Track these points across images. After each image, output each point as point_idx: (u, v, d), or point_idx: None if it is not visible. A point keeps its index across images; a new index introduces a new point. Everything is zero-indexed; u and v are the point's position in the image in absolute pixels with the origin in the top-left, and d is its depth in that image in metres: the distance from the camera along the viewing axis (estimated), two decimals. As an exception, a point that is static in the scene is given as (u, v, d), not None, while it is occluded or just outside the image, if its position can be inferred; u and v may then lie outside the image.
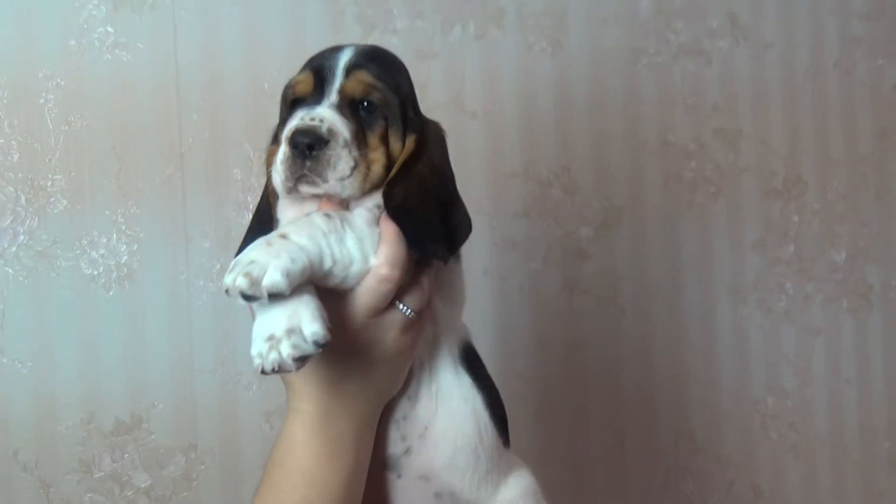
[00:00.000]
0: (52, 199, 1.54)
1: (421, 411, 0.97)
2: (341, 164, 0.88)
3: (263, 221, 0.97)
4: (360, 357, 0.90)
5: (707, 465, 1.87)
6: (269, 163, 0.95)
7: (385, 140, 0.93)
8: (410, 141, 0.93)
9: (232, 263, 0.80)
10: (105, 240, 1.55)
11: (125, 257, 1.56)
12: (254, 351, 0.79)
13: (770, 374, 1.91)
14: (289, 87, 0.96)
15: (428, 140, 0.94)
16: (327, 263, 0.84)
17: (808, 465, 1.93)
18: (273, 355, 0.77)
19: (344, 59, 0.94)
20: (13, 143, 1.52)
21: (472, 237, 0.98)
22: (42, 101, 1.53)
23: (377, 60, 0.95)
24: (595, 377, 1.80)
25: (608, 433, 1.81)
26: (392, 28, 1.69)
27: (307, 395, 0.91)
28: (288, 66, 1.54)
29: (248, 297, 0.78)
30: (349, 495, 0.91)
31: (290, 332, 0.78)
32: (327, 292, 0.85)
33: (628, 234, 1.82)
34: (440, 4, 1.72)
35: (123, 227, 1.56)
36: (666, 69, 1.85)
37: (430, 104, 1.68)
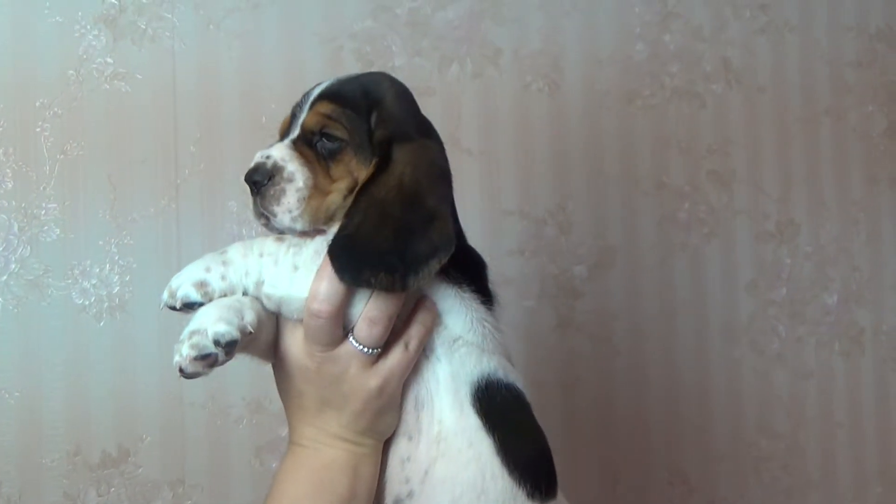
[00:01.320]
0: (45, 228, 1.53)
1: (423, 453, 0.92)
2: (286, 197, 0.89)
3: None
4: (330, 390, 0.89)
5: (700, 507, 1.86)
6: None
7: (352, 169, 0.92)
8: (371, 165, 0.91)
9: None
10: (97, 269, 1.54)
11: (117, 287, 1.54)
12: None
13: (763, 417, 1.91)
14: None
15: (398, 161, 0.90)
16: (251, 281, 0.86)
17: (801, 510, 1.92)
18: (175, 357, 0.81)
19: (316, 91, 0.94)
20: (7, 170, 1.52)
21: (491, 274, 0.96)
22: (38, 129, 1.53)
23: (349, 88, 0.94)
24: (588, 416, 1.79)
25: (601, 473, 1.79)
26: (390, 65, 1.70)
27: (292, 426, 0.93)
28: (285, 101, 1.54)
29: (171, 308, 0.85)
30: None
31: (193, 332, 0.81)
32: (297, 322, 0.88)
33: (622, 274, 1.82)
34: (438, 43, 1.73)
35: (116, 258, 1.55)
36: (660, 111, 1.87)
37: (427, 141, 1.70)
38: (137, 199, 1.57)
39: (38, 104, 1.53)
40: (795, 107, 1.96)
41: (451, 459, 0.91)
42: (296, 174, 0.89)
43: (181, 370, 0.81)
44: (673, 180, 1.87)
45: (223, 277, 0.86)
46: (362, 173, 0.91)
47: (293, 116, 0.95)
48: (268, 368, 1.57)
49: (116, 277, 1.54)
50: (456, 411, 0.92)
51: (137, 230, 1.56)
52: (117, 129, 1.56)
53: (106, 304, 1.54)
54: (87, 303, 1.53)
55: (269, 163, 0.90)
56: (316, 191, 0.90)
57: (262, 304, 0.87)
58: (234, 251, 0.87)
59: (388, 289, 0.84)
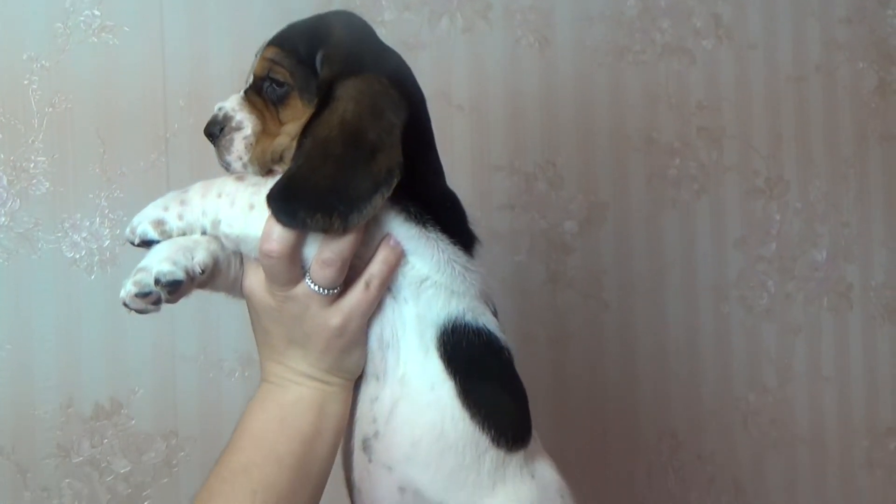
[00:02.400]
0: (35, 181, 1.52)
1: (387, 394, 0.92)
2: (235, 145, 0.90)
3: None
4: (293, 328, 0.89)
5: (689, 461, 1.87)
6: None
7: (300, 112, 0.91)
8: (312, 105, 0.90)
9: None
10: (88, 223, 1.54)
11: (108, 241, 1.55)
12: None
13: (751, 372, 1.92)
14: None
15: (340, 97, 0.87)
16: (208, 221, 0.87)
17: (789, 462, 1.94)
18: (121, 292, 0.84)
19: (268, 40, 0.94)
20: (-4, 124, 1.52)
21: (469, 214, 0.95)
22: (26, 82, 1.52)
23: (296, 30, 0.94)
24: (577, 371, 1.80)
25: (590, 428, 1.81)
26: (380, 19, 1.69)
27: (262, 364, 0.94)
28: (275, 53, 1.55)
29: (131, 243, 0.88)
30: (303, 464, 0.89)
31: (139, 270, 0.84)
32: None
33: (612, 230, 1.83)
34: (428, -3, 1.73)
35: (107, 211, 1.55)
36: (651, 67, 1.87)
37: (417, 96, 1.69)
38: (127, 153, 1.56)
39: (25, 57, 1.52)
40: (786, 63, 1.97)
41: (413, 401, 0.91)
42: (244, 122, 0.91)
43: (124, 304, 0.84)
44: (663, 136, 1.87)
45: (180, 217, 0.87)
46: (300, 118, 0.91)
47: (252, 66, 0.95)
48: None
49: (107, 231, 1.55)
50: (420, 353, 0.91)
51: (127, 184, 1.56)
52: (106, 82, 1.56)
53: (97, 258, 1.54)
54: (77, 256, 1.54)
55: (221, 114, 0.92)
56: (264, 136, 0.90)
57: (221, 243, 0.88)
58: (194, 191, 0.89)
59: (325, 230, 0.83)
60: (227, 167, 0.91)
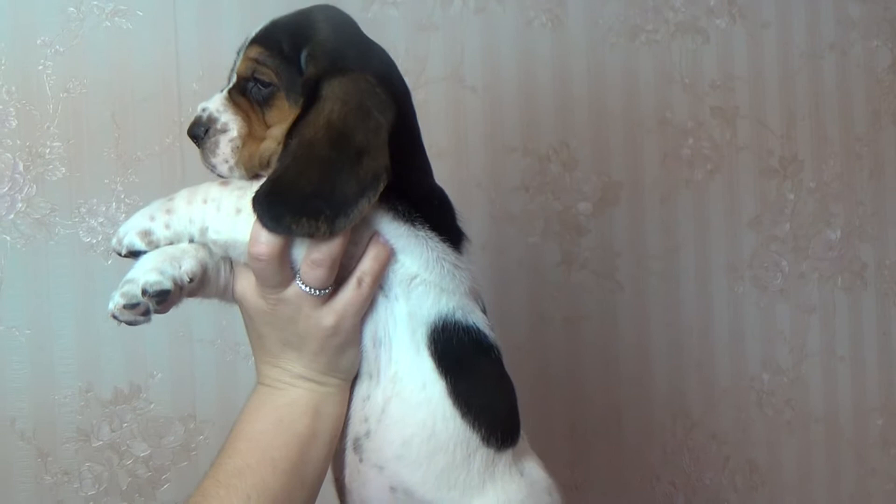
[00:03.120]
0: (51, 167, 1.53)
1: (380, 393, 0.92)
2: (220, 148, 0.89)
3: None
4: (287, 330, 0.89)
5: (703, 440, 1.88)
6: None
7: (286, 113, 0.89)
8: (298, 106, 0.88)
9: None
10: (104, 208, 1.54)
11: (124, 226, 1.55)
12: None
13: (766, 351, 1.93)
14: None
15: (326, 97, 0.86)
16: (195, 228, 0.86)
17: (803, 441, 1.94)
18: (109, 304, 0.82)
19: (251, 36, 0.91)
20: (11, 109, 1.51)
21: (470, 211, 0.93)
22: (41, 67, 1.52)
23: (280, 27, 0.90)
24: (592, 352, 1.81)
25: (605, 408, 1.81)
26: (392, 0, 1.69)
27: (257, 367, 0.94)
28: (288, 36, 1.54)
29: (118, 254, 0.87)
30: (297, 466, 0.88)
31: (126, 281, 0.83)
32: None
33: (626, 210, 1.82)
34: (440, -22, 1.72)
35: (122, 196, 1.55)
36: (664, 47, 1.86)
37: (430, 77, 1.69)
38: (141, 137, 1.56)
39: (39, 42, 1.52)
40: (800, 42, 1.95)
41: (404, 400, 0.91)
42: (229, 124, 0.89)
43: (113, 317, 0.82)
44: (676, 116, 1.86)
45: (167, 226, 0.86)
46: (287, 118, 0.88)
47: (233, 64, 0.93)
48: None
49: (123, 216, 1.54)
50: (412, 352, 0.91)
51: (142, 168, 1.56)
52: (119, 66, 1.55)
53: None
54: (94, 241, 1.54)
55: (205, 115, 0.90)
56: (250, 139, 0.89)
57: (209, 250, 0.87)
58: (180, 198, 0.87)
59: (311, 235, 0.82)
60: (212, 169, 0.90)
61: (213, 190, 0.88)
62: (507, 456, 0.95)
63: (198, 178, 1.54)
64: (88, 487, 1.54)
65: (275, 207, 0.82)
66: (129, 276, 0.83)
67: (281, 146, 0.87)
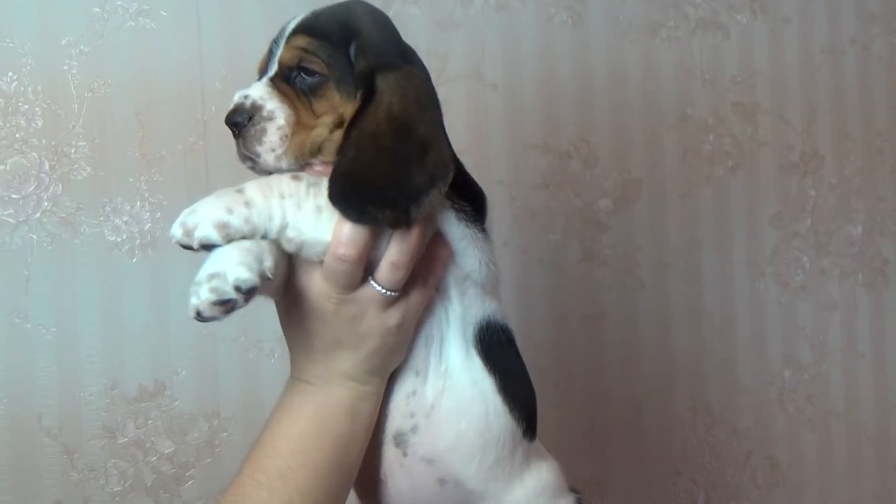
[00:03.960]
0: (76, 166, 1.54)
1: (429, 389, 0.93)
2: (267, 136, 0.86)
3: None
4: (345, 330, 0.88)
5: (724, 437, 1.88)
6: None
7: (335, 104, 0.89)
8: (357, 98, 0.88)
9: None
10: (128, 207, 1.56)
11: (148, 224, 1.56)
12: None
13: (787, 348, 1.92)
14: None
15: (384, 91, 0.87)
16: (275, 225, 0.82)
17: (824, 438, 1.94)
18: (192, 300, 0.77)
19: (290, 26, 0.91)
20: (37, 109, 1.52)
21: (492, 208, 0.93)
22: (66, 67, 1.53)
23: (325, 20, 0.90)
24: (613, 348, 1.81)
25: (626, 404, 1.82)
26: (413, -2, 1.69)
27: (297, 364, 0.92)
28: (311, 35, 1.54)
29: (184, 246, 0.81)
30: (338, 468, 0.88)
31: (213, 276, 0.77)
32: (315, 263, 0.86)
33: (647, 207, 1.82)
34: (461, -25, 1.72)
35: (147, 195, 1.56)
36: (684, 42, 1.85)
37: (451, 75, 1.70)
38: (165, 136, 1.57)
39: (64, 42, 1.53)
40: (821, 37, 1.95)
41: (457, 395, 0.93)
42: (276, 112, 0.87)
43: (198, 314, 0.77)
44: (697, 112, 1.86)
45: (247, 220, 0.81)
46: (346, 107, 0.88)
47: (270, 53, 0.92)
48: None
49: (147, 214, 1.56)
50: (462, 351, 0.93)
51: (166, 167, 1.57)
52: (143, 66, 1.56)
53: (138, 241, 1.56)
54: (119, 240, 1.55)
55: (248, 102, 0.88)
56: (298, 127, 0.87)
57: (278, 246, 0.84)
58: (254, 192, 0.83)
59: (394, 224, 0.83)
60: (255, 158, 0.87)
61: (285, 184, 0.84)
62: (534, 445, 0.99)
63: (222, 176, 1.57)
64: (114, 484, 1.55)
65: (356, 200, 0.82)
66: (212, 270, 0.78)
67: (332, 135, 0.88)
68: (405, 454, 0.93)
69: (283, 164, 0.87)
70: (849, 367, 1.97)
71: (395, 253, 0.84)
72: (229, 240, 0.81)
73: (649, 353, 1.83)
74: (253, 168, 0.90)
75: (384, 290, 0.86)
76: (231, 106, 0.89)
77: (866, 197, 1.98)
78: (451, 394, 0.93)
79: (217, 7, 1.59)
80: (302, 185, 0.85)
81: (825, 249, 1.95)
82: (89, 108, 1.54)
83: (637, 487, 1.83)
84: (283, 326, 0.93)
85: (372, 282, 0.86)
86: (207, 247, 0.81)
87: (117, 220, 1.55)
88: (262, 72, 0.92)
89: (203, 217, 0.81)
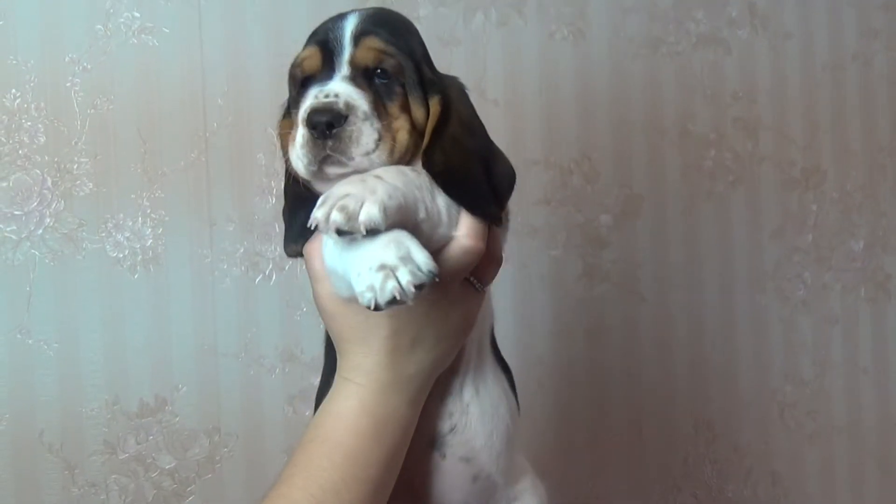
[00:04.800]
0: (78, 182, 1.54)
1: (466, 389, 0.95)
2: (364, 137, 0.84)
3: (303, 199, 0.90)
4: (428, 330, 0.87)
5: (725, 452, 1.88)
6: (285, 143, 0.91)
7: (406, 107, 0.89)
8: (435, 103, 0.89)
9: (322, 198, 0.77)
10: (130, 223, 1.56)
11: (150, 240, 1.56)
12: (361, 286, 0.75)
13: (788, 363, 1.92)
14: (296, 66, 0.92)
15: (452, 98, 0.91)
16: (420, 213, 0.81)
17: (826, 453, 1.94)
18: (391, 284, 0.73)
19: (350, 26, 0.89)
20: (40, 125, 1.53)
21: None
22: (69, 84, 1.54)
23: (386, 24, 0.91)
24: (614, 364, 1.81)
25: (627, 419, 1.82)
26: (415, 15, 1.69)
27: (366, 369, 0.88)
28: (312, 52, 1.55)
29: (342, 233, 0.75)
30: (388, 478, 0.87)
31: (404, 259, 0.75)
32: None
33: (648, 222, 1.82)
34: (463, -8, 1.73)
35: (148, 211, 1.57)
36: (686, 58, 1.86)
37: (452, 91, 1.70)
38: (167, 152, 1.58)
39: (67, 59, 1.54)
40: (822, 52, 1.95)
41: (487, 394, 0.96)
42: (369, 113, 0.85)
43: (395, 298, 0.74)
44: (698, 128, 1.86)
45: (400, 208, 0.78)
46: (418, 111, 0.89)
47: (329, 52, 0.89)
48: (297, 318, 1.60)
49: (149, 230, 1.56)
50: (483, 351, 0.97)
51: (168, 183, 1.57)
52: (146, 82, 1.57)
53: (140, 257, 1.56)
54: (121, 255, 1.56)
55: (341, 102, 0.84)
56: (385, 130, 0.86)
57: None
58: (396, 180, 0.81)
59: (498, 219, 0.88)
60: (345, 160, 0.84)
61: (414, 176, 0.84)
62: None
63: (224, 192, 1.58)
64: (115, 499, 1.56)
65: (470, 198, 0.85)
66: (400, 253, 0.75)
67: (411, 139, 0.88)
68: (444, 456, 0.94)
69: (374, 167, 0.85)
70: (850, 382, 1.96)
71: (497, 249, 0.88)
72: (387, 224, 0.77)
73: (650, 369, 1.83)
74: (320, 172, 0.86)
75: (479, 285, 0.89)
76: (312, 103, 0.85)
77: (868, 212, 1.98)
78: (482, 394, 0.95)
79: (219, 24, 1.60)
80: (425, 178, 0.84)
81: (827, 264, 1.95)
82: (92, 124, 1.55)
83: (638, 502, 1.82)
84: (347, 326, 0.89)
85: (471, 276, 0.88)
86: (371, 232, 0.76)
87: (119, 236, 1.55)
88: (312, 74, 0.90)
89: (366, 200, 0.76)
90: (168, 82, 1.58)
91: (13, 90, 1.52)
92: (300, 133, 0.86)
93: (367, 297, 0.74)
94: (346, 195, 0.76)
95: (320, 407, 0.90)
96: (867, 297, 1.97)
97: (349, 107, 0.84)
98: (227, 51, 1.60)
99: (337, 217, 0.75)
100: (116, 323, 1.55)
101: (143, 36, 1.57)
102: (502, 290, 1.71)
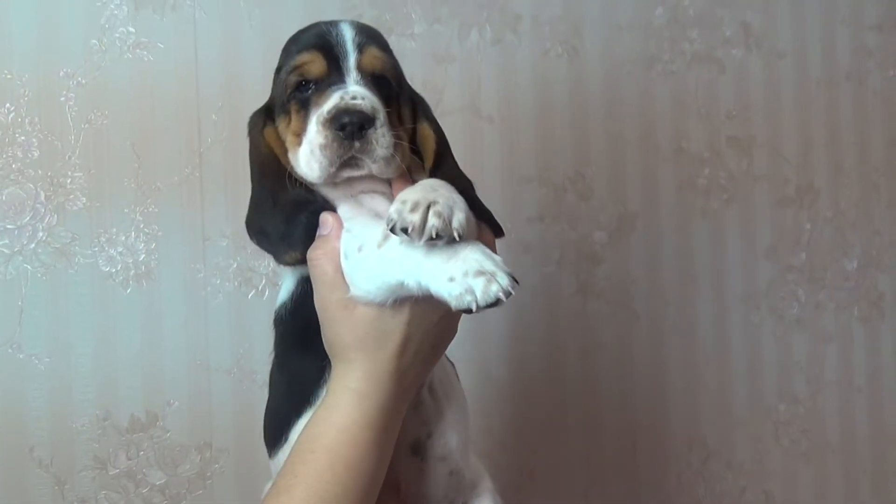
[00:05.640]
0: (72, 197, 1.54)
1: (437, 395, 0.98)
2: (385, 142, 0.85)
3: (303, 203, 0.90)
4: (427, 338, 0.89)
5: (719, 470, 1.87)
6: (275, 148, 0.92)
7: (399, 118, 0.91)
8: (426, 127, 0.93)
9: (398, 203, 0.78)
10: (123, 237, 1.56)
11: (143, 255, 1.56)
12: (456, 289, 0.77)
13: (782, 381, 1.92)
14: (291, 69, 0.92)
15: (435, 120, 0.95)
16: (471, 223, 0.83)
17: (820, 472, 1.93)
18: (495, 287, 0.77)
19: (349, 34, 0.90)
20: (33, 140, 1.53)
21: None
22: (63, 99, 1.54)
23: (375, 35, 0.93)
24: (608, 381, 1.80)
25: (621, 437, 1.81)
26: (409, 32, 1.70)
27: (374, 378, 0.88)
28: (307, 68, 1.55)
29: (435, 237, 0.77)
30: (380, 482, 0.90)
31: (500, 266, 0.79)
32: None
33: (642, 240, 1.82)
34: (457, 9, 1.73)
35: (142, 226, 1.56)
36: (680, 76, 1.86)
37: (447, 108, 1.70)
38: (161, 167, 1.58)
39: (61, 74, 1.54)
40: (816, 71, 1.96)
41: (454, 401, 0.99)
42: (385, 119, 0.87)
43: (497, 300, 0.78)
44: (692, 146, 1.87)
45: (468, 218, 0.82)
46: (407, 121, 0.91)
47: (333, 57, 0.89)
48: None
49: (142, 245, 1.56)
50: (443, 360, 1.00)
51: (162, 198, 1.57)
52: (140, 98, 1.57)
53: (132, 272, 1.56)
54: (113, 270, 1.55)
55: (368, 105, 0.85)
56: (396, 138, 0.88)
57: None
58: (447, 191, 0.83)
59: (504, 234, 0.95)
60: (368, 162, 0.86)
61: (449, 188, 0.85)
62: None
63: (217, 208, 1.58)
64: (105, 515, 1.55)
65: (487, 216, 0.90)
66: (494, 258, 0.80)
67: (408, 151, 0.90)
68: (423, 459, 0.97)
69: (388, 172, 0.87)
70: (844, 400, 1.96)
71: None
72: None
73: (644, 386, 1.83)
74: (340, 174, 0.88)
75: None
76: (339, 104, 0.85)
77: (862, 231, 1.98)
78: (450, 400, 0.98)
79: (214, 40, 1.60)
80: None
81: (820, 283, 1.95)
82: (86, 138, 1.55)
83: (631, 521, 1.82)
84: (356, 335, 0.89)
85: None
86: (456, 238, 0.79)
87: (112, 251, 1.55)
88: (316, 78, 0.90)
89: (455, 207, 0.80)
90: (163, 97, 1.58)
91: (7, 104, 1.52)
92: (319, 134, 0.86)
93: (466, 300, 0.77)
94: (433, 202, 0.78)
95: (318, 415, 0.89)
96: (861, 316, 1.97)
97: (376, 110, 0.86)
98: (221, 66, 1.61)
99: (436, 222, 0.76)
100: (108, 338, 1.55)
101: (138, 51, 1.57)
102: (495, 307, 1.71)
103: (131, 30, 1.57)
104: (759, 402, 1.90)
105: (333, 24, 0.92)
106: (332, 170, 0.86)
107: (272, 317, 1.03)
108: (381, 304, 0.85)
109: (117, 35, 1.57)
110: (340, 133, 0.84)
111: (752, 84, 1.91)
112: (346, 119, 0.84)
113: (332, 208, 0.90)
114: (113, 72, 1.56)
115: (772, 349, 1.91)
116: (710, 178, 1.88)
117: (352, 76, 0.88)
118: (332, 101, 0.86)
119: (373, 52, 0.90)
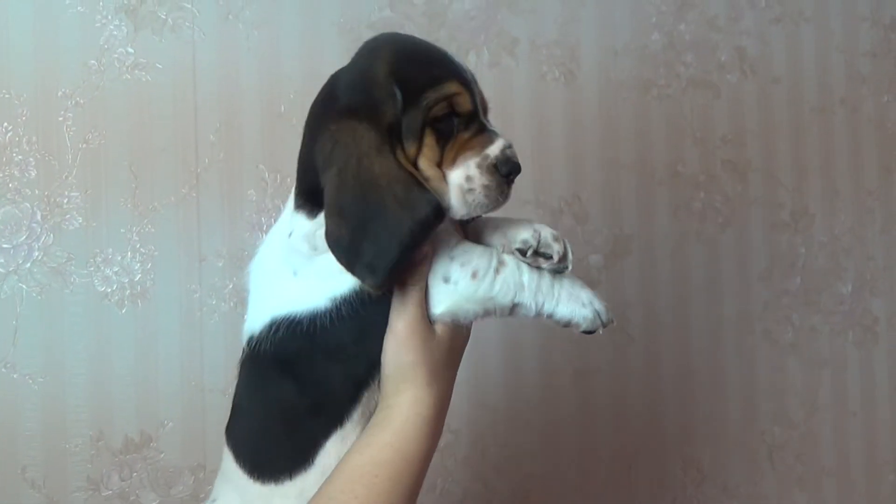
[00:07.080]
0: (68, 216, 1.54)
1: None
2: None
3: (403, 209, 0.85)
4: (457, 353, 0.95)
5: (714, 494, 1.87)
6: (373, 168, 0.85)
7: None
8: None
9: (527, 233, 0.92)
10: (119, 257, 1.56)
11: (139, 275, 1.56)
12: (583, 311, 0.95)
13: (777, 405, 1.92)
14: (442, 98, 0.88)
15: None
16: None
17: (814, 496, 1.93)
18: (608, 314, 0.96)
19: (468, 68, 0.93)
20: (31, 159, 1.53)
21: None
22: (61, 118, 1.55)
23: None
24: (603, 405, 1.80)
25: (616, 461, 1.81)
26: (407, 54, 1.70)
27: (433, 399, 0.90)
28: (303, 90, 1.57)
29: (559, 270, 0.94)
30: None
31: (593, 297, 0.97)
32: None
33: (637, 263, 1.83)
34: (455, 32, 1.74)
35: (138, 246, 1.57)
36: (675, 101, 1.87)
37: (444, 130, 1.70)
38: (158, 187, 1.58)
39: (60, 94, 1.55)
40: (810, 97, 1.97)
41: None
42: None
43: (595, 330, 0.96)
44: (688, 170, 1.87)
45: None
46: None
47: (470, 92, 0.90)
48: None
49: (138, 265, 1.56)
50: None
51: (158, 218, 1.58)
52: (138, 118, 1.58)
53: (128, 292, 1.56)
54: (109, 290, 1.55)
55: (517, 156, 0.93)
56: None
57: None
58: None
59: None
60: (502, 203, 0.92)
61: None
62: None
63: (214, 228, 1.58)
64: (97, 536, 1.54)
65: None
66: (584, 298, 0.96)
67: None
68: None
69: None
70: (839, 425, 1.96)
71: None
72: None
73: (639, 410, 1.83)
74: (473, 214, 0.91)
75: None
76: (508, 153, 0.91)
77: (856, 255, 1.99)
78: None
79: (212, 61, 1.61)
80: None
81: (815, 307, 1.95)
82: (83, 159, 1.55)
83: (626, 545, 1.81)
84: (423, 357, 0.89)
85: None
86: (542, 255, 0.94)
87: (108, 271, 1.55)
88: (466, 113, 0.90)
89: (567, 245, 0.96)
90: (160, 118, 1.59)
91: (5, 123, 1.52)
92: (484, 176, 0.88)
93: (596, 323, 0.95)
94: (557, 236, 0.94)
95: (383, 440, 0.87)
96: (855, 340, 1.98)
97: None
98: (219, 88, 1.61)
99: (570, 254, 0.94)
100: (103, 358, 1.54)
101: (136, 72, 1.58)
102: (490, 331, 1.72)
103: (130, 50, 1.58)
104: (754, 425, 1.90)
105: (448, 54, 0.92)
106: (486, 210, 0.90)
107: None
108: (454, 324, 0.91)
109: (116, 56, 1.57)
110: (504, 180, 0.90)
111: (747, 109, 1.93)
112: (513, 170, 0.91)
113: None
114: (111, 92, 1.57)
115: (766, 373, 1.91)
116: (706, 201, 1.88)
117: (481, 116, 0.92)
118: (497, 147, 0.90)
119: (481, 92, 0.94)
